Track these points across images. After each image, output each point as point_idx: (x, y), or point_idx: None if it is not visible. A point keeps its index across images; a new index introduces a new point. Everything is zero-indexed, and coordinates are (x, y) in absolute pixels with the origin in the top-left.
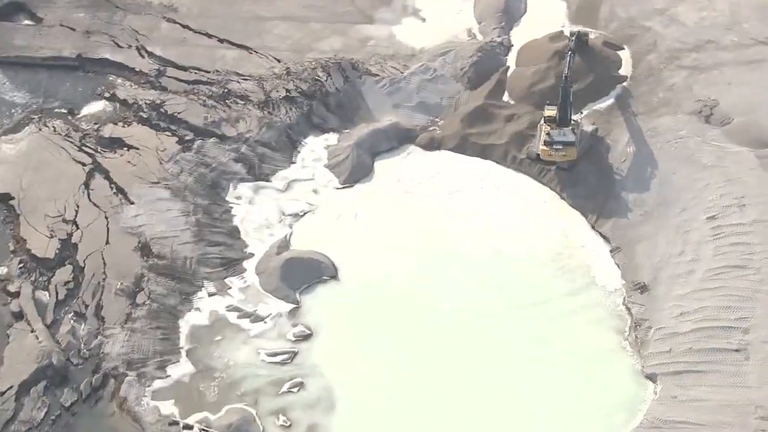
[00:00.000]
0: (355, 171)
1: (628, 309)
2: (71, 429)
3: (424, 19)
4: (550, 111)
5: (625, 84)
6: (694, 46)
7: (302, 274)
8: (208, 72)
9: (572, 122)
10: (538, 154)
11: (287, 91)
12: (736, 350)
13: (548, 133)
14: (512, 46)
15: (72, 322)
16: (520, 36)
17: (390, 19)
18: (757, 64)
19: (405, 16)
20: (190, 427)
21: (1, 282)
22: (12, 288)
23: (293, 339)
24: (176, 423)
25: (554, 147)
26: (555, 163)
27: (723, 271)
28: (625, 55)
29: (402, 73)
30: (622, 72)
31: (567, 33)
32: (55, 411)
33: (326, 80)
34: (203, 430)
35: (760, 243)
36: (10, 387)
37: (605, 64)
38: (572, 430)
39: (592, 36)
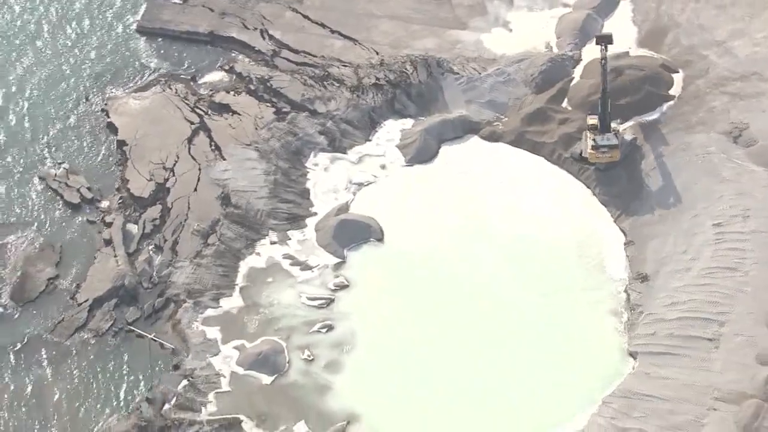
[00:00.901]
0: (420, 153)
1: (628, 295)
2: (130, 340)
3: (510, 30)
4: (593, 120)
5: (671, 102)
6: (741, 76)
7: (352, 234)
8: (315, 57)
9: (612, 129)
10: (581, 154)
11: (377, 79)
12: (710, 339)
13: (593, 139)
14: (581, 60)
15: (150, 252)
16: (591, 53)
17: (481, 27)
18: None
19: (495, 26)
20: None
21: (102, 213)
22: (108, 219)
23: (332, 288)
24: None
25: (600, 150)
26: (599, 164)
27: (715, 271)
28: (678, 77)
29: (479, 74)
30: (671, 92)
31: (596, 44)
32: (119, 325)
33: (412, 73)
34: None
35: (753, 250)
36: (87, 300)
37: (657, 83)
38: (554, 392)
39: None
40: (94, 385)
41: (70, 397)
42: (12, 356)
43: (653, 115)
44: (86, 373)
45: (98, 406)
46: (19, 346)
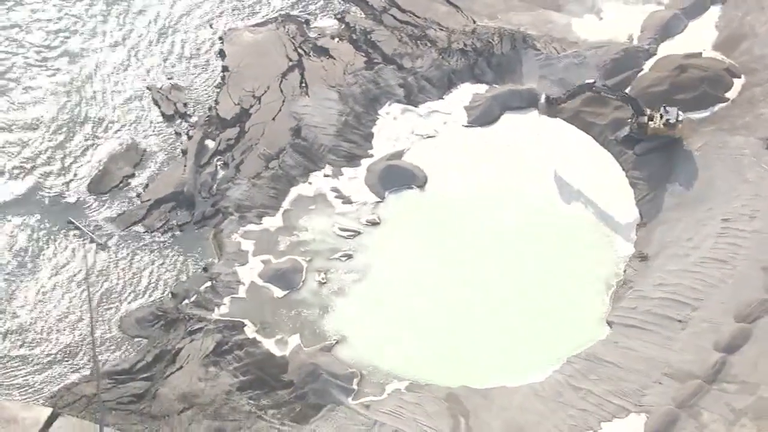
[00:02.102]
0: (482, 116)
1: (624, 271)
2: (174, 240)
3: (601, 18)
4: (644, 118)
5: (724, 104)
6: None
7: (396, 178)
8: (419, 18)
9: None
10: (625, 137)
11: (465, 45)
12: (679, 321)
13: (661, 115)
14: (655, 54)
15: (217, 167)
16: (667, 49)
17: (574, 12)
18: None
19: (588, 12)
20: (79, 229)
21: (189, 127)
22: (191, 133)
23: (364, 222)
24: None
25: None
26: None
27: (708, 261)
28: (739, 82)
29: (558, 53)
30: (727, 95)
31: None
32: (169, 225)
33: (497, 44)
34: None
35: (748, 247)
36: (149, 199)
37: (716, 85)
38: (528, 345)
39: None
40: (131, 274)
41: (108, 280)
42: (72, 237)
43: (704, 114)
44: (128, 262)
45: (129, 292)
46: (80, 229)
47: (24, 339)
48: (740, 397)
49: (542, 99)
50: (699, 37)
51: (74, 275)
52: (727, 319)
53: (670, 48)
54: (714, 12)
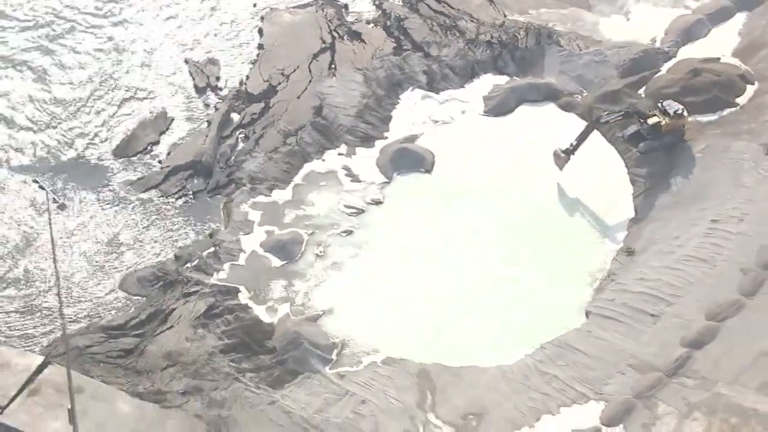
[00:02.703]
0: (498, 106)
1: (611, 265)
2: (187, 206)
3: (628, 19)
4: (653, 120)
5: (733, 109)
6: None
7: (406, 160)
8: (453, 8)
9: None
10: (632, 133)
11: (491, 37)
12: (652, 315)
13: (662, 109)
14: (674, 57)
15: (238, 139)
16: (687, 53)
17: (603, 11)
18: None
19: (616, 13)
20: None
21: (218, 100)
22: (218, 105)
23: (368, 201)
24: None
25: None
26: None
27: (691, 259)
28: (751, 89)
29: (580, 50)
30: (738, 100)
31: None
32: (185, 192)
33: (522, 38)
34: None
35: (731, 249)
36: (168, 166)
37: (727, 90)
38: (505, 328)
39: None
40: (139, 236)
41: (116, 240)
42: (90, 194)
43: (711, 117)
44: (140, 225)
45: (134, 253)
46: (100, 190)
47: (29, 290)
48: (697, 392)
49: (554, 152)
50: (720, 43)
51: (87, 231)
52: (698, 317)
53: (690, 52)
54: (739, 19)
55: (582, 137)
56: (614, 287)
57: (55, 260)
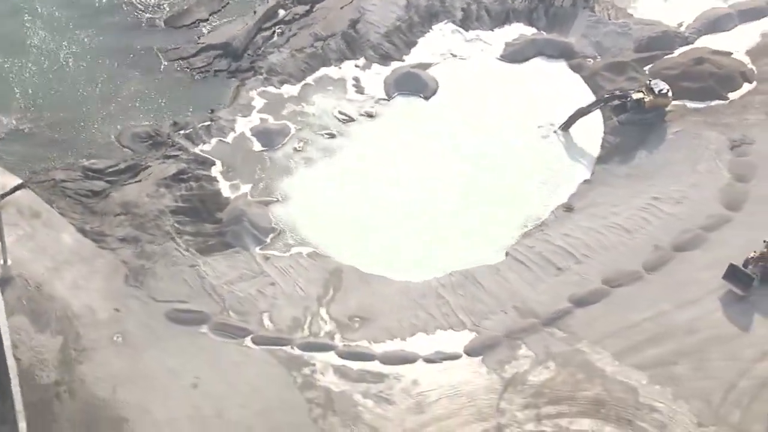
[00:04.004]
0: (513, 54)
1: (548, 216)
2: (205, 81)
3: (666, 1)
4: (638, 95)
5: (721, 102)
6: None
7: (409, 83)
8: None
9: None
10: (616, 105)
11: None
12: (558, 268)
13: (651, 89)
14: (691, 44)
15: (275, 33)
16: (706, 42)
17: None
18: None
19: None
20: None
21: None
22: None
23: (361, 113)
24: None
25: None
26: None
27: (616, 227)
28: (747, 87)
29: (609, 19)
30: (730, 95)
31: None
32: (208, 68)
33: None
34: None
35: (656, 226)
36: (203, 43)
37: (723, 83)
38: (431, 253)
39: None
40: (154, 98)
41: (131, 96)
42: (124, 54)
43: (699, 105)
44: (157, 88)
45: (141, 112)
46: (132, 54)
47: (32, 119)
48: (560, 344)
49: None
50: (740, 39)
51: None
52: (597, 279)
53: (709, 41)
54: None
55: (570, 120)
56: (539, 236)
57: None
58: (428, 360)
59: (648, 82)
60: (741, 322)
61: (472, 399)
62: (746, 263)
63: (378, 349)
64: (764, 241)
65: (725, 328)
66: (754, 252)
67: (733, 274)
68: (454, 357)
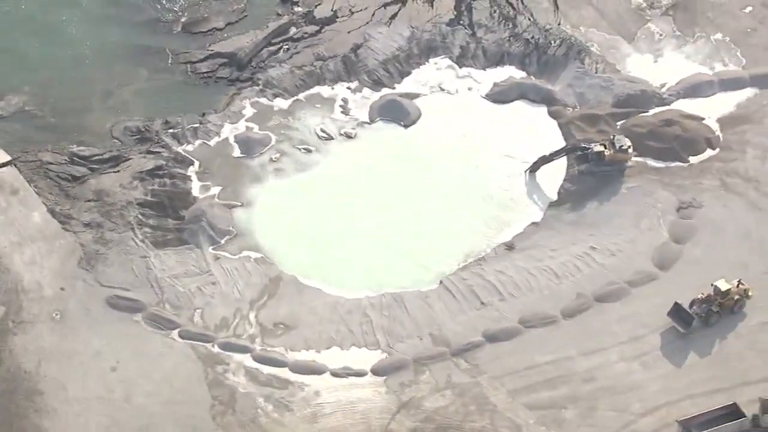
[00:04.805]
0: (498, 94)
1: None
2: (205, 86)
3: (656, 61)
4: (599, 148)
5: (681, 164)
6: (748, 180)
7: (392, 111)
8: (523, 4)
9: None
10: (579, 155)
11: (533, 36)
12: (482, 302)
13: (614, 144)
14: (668, 105)
15: (282, 49)
16: (682, 105)
17: (639, 48)
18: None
19: (650, 52)
20: None
21: (292, 14)
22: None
23: (341, 133)
24: None
25: (621, 150)
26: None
27: (547, 271)
28: (709, 153)
29: (596, 72)
30: (691, 159)
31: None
32: (210, 74)
33: (556, 46)
34: None
35: (585, 274)
36: (212, 50)
37: (687, 147)
38: (372, 271)
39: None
40: (155, 96)
41: (134, 92)
42: (138, 52)
43: (659, 164)
44: (160, 87)
45: (138, 108)
46: (145, 53)
47: (38, 103)
48: (462, 375)
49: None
50: (716, 106)
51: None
52: (514, 317)
53: (685, 105)
54: (747, 92)
55: (537, 164)
56: (475, 270)
57: None
58: (335, 374)
59: (612, 137)
60: (637, 376)
61: (366, 417)
62: (692, 304)
63: (291, 357)
64: (711, 285)
65: (621, 380)
66: (701, 294)
67: (676, 312)
68: (360, 374)
